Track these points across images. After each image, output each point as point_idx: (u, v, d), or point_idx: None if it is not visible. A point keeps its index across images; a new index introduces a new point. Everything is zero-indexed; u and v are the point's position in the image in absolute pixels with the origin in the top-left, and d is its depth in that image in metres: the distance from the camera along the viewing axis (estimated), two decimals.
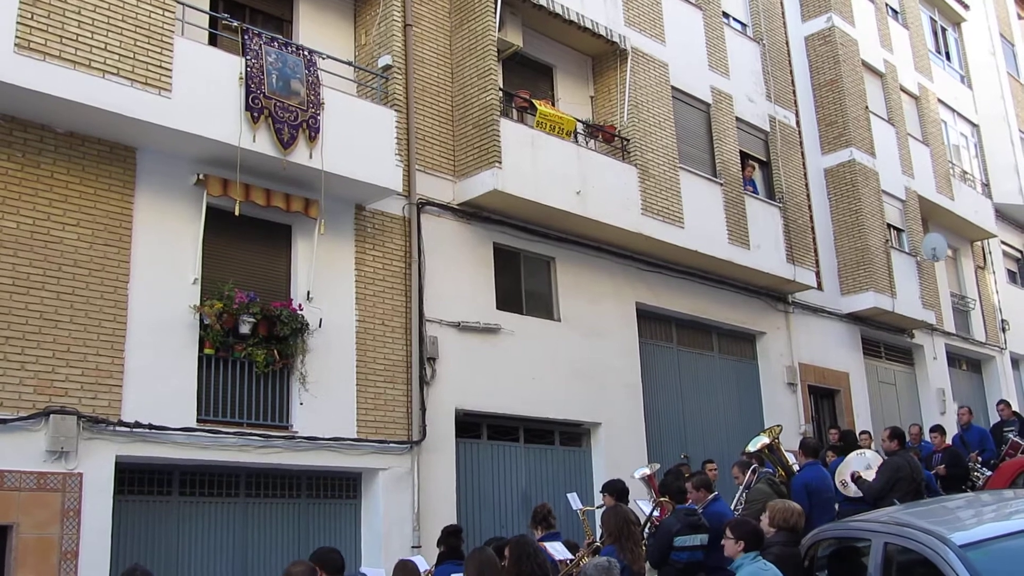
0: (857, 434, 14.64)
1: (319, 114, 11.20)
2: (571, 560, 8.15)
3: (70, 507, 9.06)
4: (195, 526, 10.31)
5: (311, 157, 11.02)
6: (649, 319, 16.02)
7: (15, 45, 9.03)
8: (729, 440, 16.27)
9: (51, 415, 9.09)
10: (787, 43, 20.59)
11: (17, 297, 9.19)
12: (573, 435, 14.45)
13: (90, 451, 9.32)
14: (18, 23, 9.09)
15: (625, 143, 15.41)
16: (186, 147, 10.42)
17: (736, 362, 17.79)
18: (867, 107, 21.70)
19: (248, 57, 10.80)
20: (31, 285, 9.30)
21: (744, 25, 19.31)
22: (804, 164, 20.02)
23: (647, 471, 10.92)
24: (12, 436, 8.88)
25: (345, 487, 11.70)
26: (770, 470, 10.13)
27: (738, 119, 17.95)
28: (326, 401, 11.26)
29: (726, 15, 18.72)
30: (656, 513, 9.06)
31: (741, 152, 17.84)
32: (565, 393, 13.97)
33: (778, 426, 10.88)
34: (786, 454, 10.28)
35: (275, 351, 10.86)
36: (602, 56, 16.04)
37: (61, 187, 9.69)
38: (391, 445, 11.76)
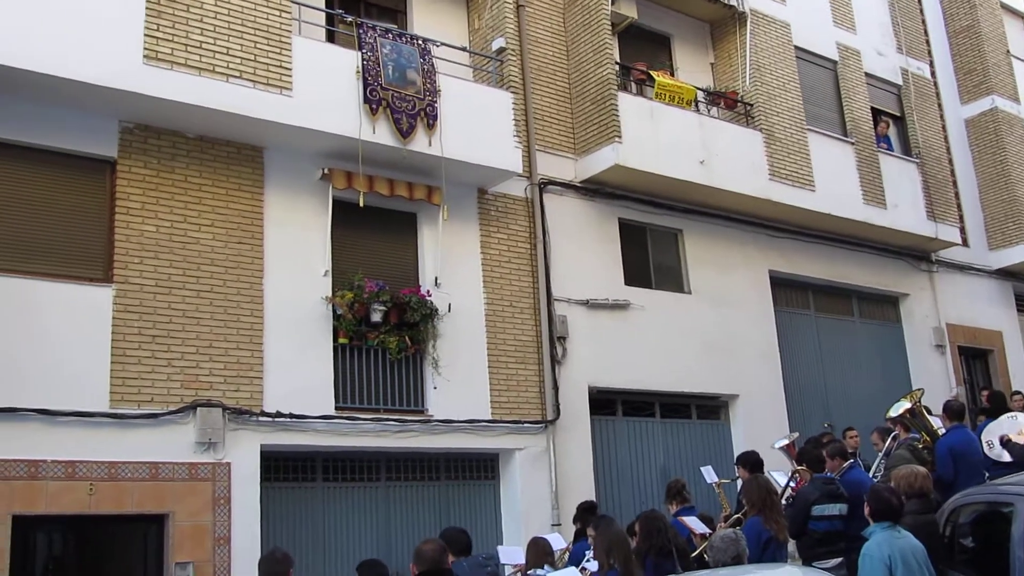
0: (1009, 396, 13.79)
1: (436, 101, 11.24)
2: (710, 533, 7.96)
3: (220, 495, 9.40)
4: (339, 510, 10.57)
5: (431, 144, 11.08)
6: (784, 286, 15.54)
7: (144, 56, 9.38)
8: (875, 407, 15.52)
9: (198, 408, 9.45)
10: None
11: (160, 297, 9.57)
12: (710, 408, 14.16)
13: (236, 441, 9.64)
14: (145, 35, 9.44)
15: (748, 108, 14.93)
16: (310, 143, 10.63)
17: (879, 326, 17.09)
18: (1008, 51, 20.37)
19: (364, 51, 10.92)
20: (172, 285, 9.67)
21: None
22: (942, 116, 19.01)
23: (786, 441, 10.57)
24: (163, 429, 9.27)
25: (483, 468, 11.78)
26: (915, 436, 9.65)
27: (867, 74, 17.16)
28: (459, 384, 11.34)
29: None
30: (793, 483, 8.77)
31: (873, 108, 17.07)
32: (700, 366, 13.70)
33: (919, 390, 10.35)
34: (931, 418, 9.76)
35: (407, 337, 11.00)
36: (720, 21, 15.59)
37: (195, 190, 10.04)
38: (526, 425, 11.77)
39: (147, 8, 9.48)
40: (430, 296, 11.26)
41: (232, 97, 9.85)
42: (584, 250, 13.01)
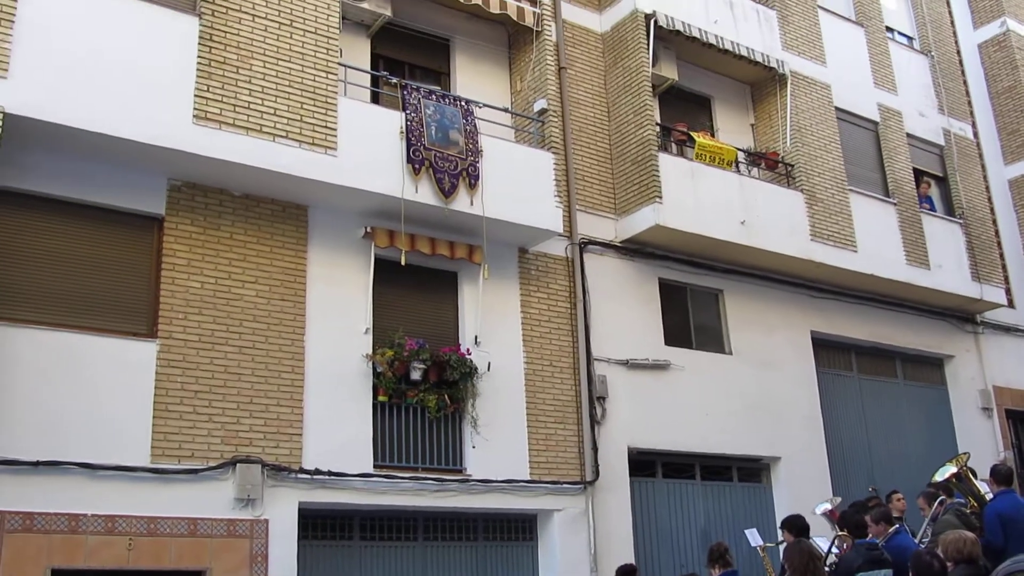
0: None
1: (478, 161, 11.31)
2: None
3: (258, 552, 9.32)
4: (377, 570, 10.42)
5: (472, 204, 11.12)
6: (826, 348, 15.31)
7: (194, 116, 9.54)
8: (920, 470, 15.19)
9: (237, 464, 9.42)
10: (958, 52, 19.46)
11: (203, 353, 9.61)
12: (752, 471, 13.90)
13: (275, 498, 9.59)
14: (195, 95, 9.61)
15: (789, 169, 14.89)
16: (353, 202, 10.72)
17: (924, 388, 16.76)
18: None
19: (408, 111, 11.03)
20: (215, 341, 9.71)
21: (910, 38, 18.43)
22: (985, 177, 18.83)
23: (828, 506, 10.32)
24: (203, 485, 9.24)
25: (521, 529, 11.61)
26: (961, 500, 9.39)
27: (909, 135, 17.06)
28: (498, 444, 11.23)
29: (890, 30, 17.89)
30: (836, 549, 8.54)
31: (915, 169, 16.94)
32: (741, 428, 13.48)
33: (965, 454, 10.09)
34: (978, 483, 9.49)
35: (446, 396, 10.94)
36: (761, 83, 15.61)
37: (239, 247, 10.12)
38: (564, 486, 11.60)
39: (198, 69, 9.68)
40: (470, 355, 11.21)
41: (278, 157, 9.98)
42: (624, 310, 12.93)
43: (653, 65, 13.70)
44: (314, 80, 10.49)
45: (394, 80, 11.47)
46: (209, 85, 9.73)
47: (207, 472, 9.29)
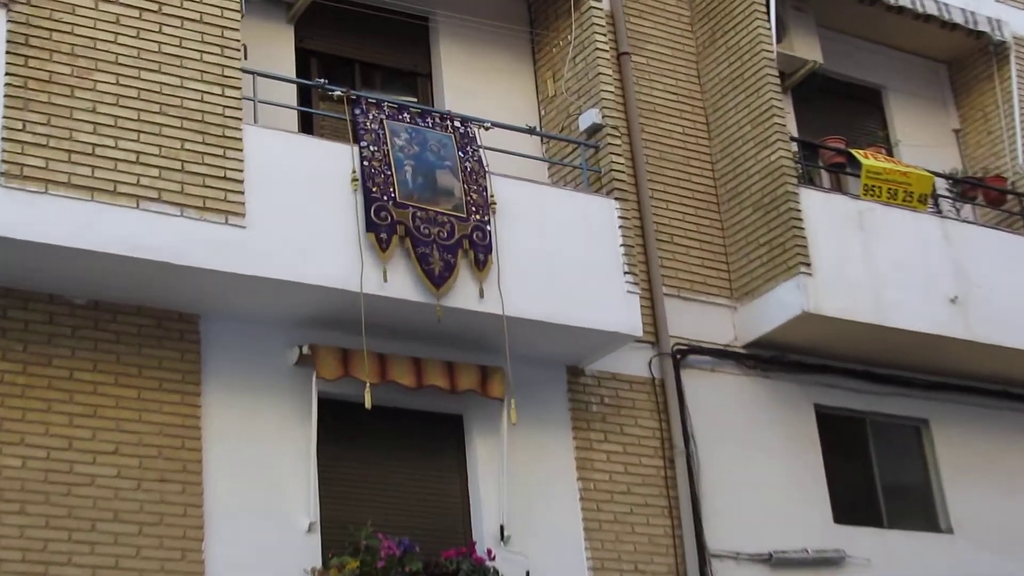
0: None
1: (488, 222, 11.38)
2: None
3: None
4: None
5: (482, 296, 11.16)
6: None
7: (1, 174, 9.58)
8: None
9: None
10: None
11: None
12: None
13: None
14: (4, 139, 9.67)
15: None
16: (277, 304, 10.78)
17: None
18: None
19: (364, 144, 11.14)
20: (51, 560, 9.60)
21: None
22: None
23: None
24: None
25: None
26: None
27: None
28: None
29: None
30: None
31: None
32: None
33: None
34: None
35: None
36: (964, 59, 15.89)
37: (86, 393, 10.11)
38: None
39: (6, 96, 9.73)
40: (492, 559, 11.12)
41: (144, 233, 9.95)
42: (758, 464, 12.96)
43: (779, 41, 13.90)
44: (202, 100, 10.60)
45: (338, 91, 11.58)
46: (25, 121, 9.79)
47: None
